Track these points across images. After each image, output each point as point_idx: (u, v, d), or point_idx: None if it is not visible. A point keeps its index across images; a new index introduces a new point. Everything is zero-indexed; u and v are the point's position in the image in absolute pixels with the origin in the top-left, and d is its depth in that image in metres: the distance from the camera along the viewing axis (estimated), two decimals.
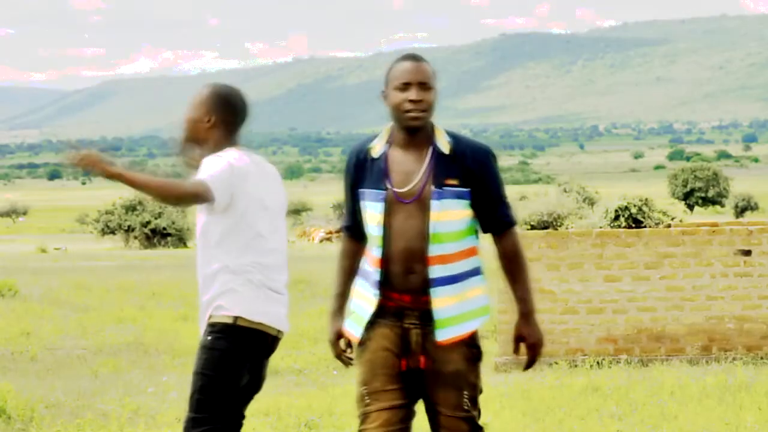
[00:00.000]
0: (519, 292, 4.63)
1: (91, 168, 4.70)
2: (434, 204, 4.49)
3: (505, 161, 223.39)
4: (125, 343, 12.70)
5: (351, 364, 4.74)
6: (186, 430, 4.77)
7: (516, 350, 4.68)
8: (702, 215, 65.17)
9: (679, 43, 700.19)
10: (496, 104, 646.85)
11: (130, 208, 48.09)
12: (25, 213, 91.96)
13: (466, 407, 4.55)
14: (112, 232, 48.37)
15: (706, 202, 74.82)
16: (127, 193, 49.68)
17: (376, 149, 4.60)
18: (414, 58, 4.57)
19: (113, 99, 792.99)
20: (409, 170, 4.54)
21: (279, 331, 4.83)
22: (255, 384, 4.87)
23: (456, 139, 4.58)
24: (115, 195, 50.88)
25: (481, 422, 4.56)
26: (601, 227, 12.04)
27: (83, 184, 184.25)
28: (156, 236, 47.40)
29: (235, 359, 4.71)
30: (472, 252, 4.61)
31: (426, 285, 4.51)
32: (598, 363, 10.89)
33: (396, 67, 4.57)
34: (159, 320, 14.54)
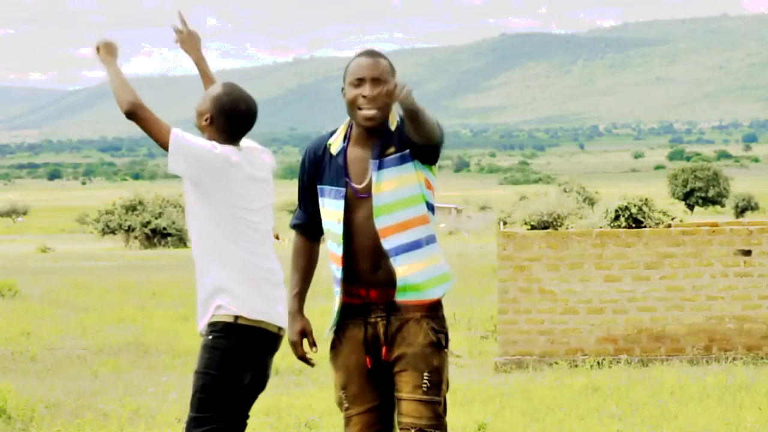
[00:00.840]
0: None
1: (104, 56, 4.96)
2: (374, 175, 4.45)
3: (505, 161, 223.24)
4: (125, 343, 12.70)
5: (313, 365, 4.73)
6: (188, 430, 4.76)
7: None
8: (702, 215, 65.16)
9: (679, 43, 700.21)
10: (496, 104, 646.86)
11: (130, 208, 48.11)
12: (25, 213, 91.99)
13: (425, 388, 4.45)
14: (112, 232, 48.37)
15: (706, 202, 74.87)
16: (127, 194, 49.72)
17: (335, 146, 4.55)
18: (370, 53, 4.50)
19: (113, 99, 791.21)
20: (368, 165, 4.50)
21: (280, 328, 4.83)
22: (259, 383, 4.86)
23: (401, 119, 4.52)
24: (115, 195, 50.91)
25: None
26: (601, 227, 12.05)
27: (83, 184, 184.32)
28: (156, 236, 47.41)
29: (237, 357, 4.71)
30: (423, 220, 4.53)
31: (393, 280, 4.46)
32: (598, 363, 10.89)
33: (352, 63, 4.50)
34: (159, 320, 14.55)
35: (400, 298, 4.45)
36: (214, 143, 4.76)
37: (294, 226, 4.73)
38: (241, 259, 4.73)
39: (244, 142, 4.91)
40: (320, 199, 4.59)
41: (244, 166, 4.78)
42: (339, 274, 4.52)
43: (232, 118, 4.82)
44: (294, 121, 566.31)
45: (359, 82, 4.44)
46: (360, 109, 4.44)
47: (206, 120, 4.84)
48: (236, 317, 4.71)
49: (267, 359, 4.86)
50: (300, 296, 4.69)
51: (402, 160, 4.47)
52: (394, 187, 4.46)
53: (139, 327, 13.90)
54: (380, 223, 4.45)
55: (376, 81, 4.43)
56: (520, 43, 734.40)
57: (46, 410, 8.41)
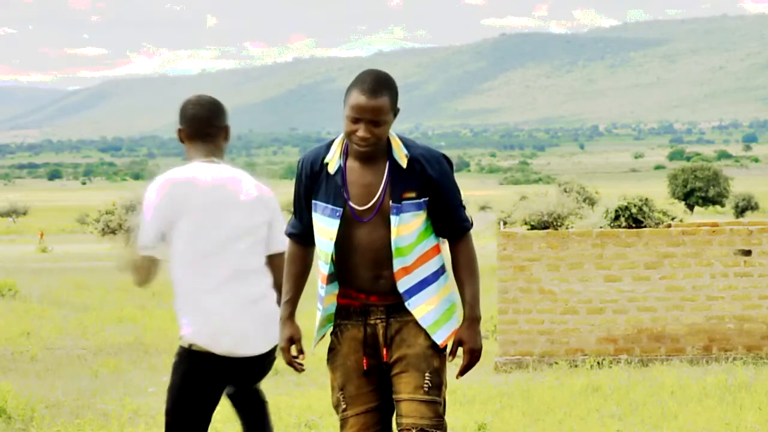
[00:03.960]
0: (468, 298, 4.58)
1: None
2: (394, 219, 4.44)
3: (505, 161, 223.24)
4: (125, 343, 12.71)
5: (302, 370, 4.74)
6: None
7: (452, 353, 4.58)
8: (702, 215, 65.18)
9: (679, 43, 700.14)
10: (496, 104, 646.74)
11: (131, 208, 48.09)
12: (25, 213, 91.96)
13: (426, 388, 4.47)
14: (113, 232, 48.37)
15: (706, 202, 74.80)
16: (127, 194, 49.74)
17: (333, 164, 4.51)
18: (372, 91, 4.37)
19: (113, 99, 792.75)
20: (368, 184, 4.47)
21: (242, 356, 4.90)
22: (245, 391, 4.96)
23: (410, 148, 4.50)
24: (115, 195, 50.93)
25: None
26: (601, 227, 12.05)
27: (83, 184, 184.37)
28: None
29: (195, 383, 4.80)
30: (434, 251, 4.57)
31: (394, 288, 4.50)
32: (598, 363, 10.89)
33: (351, 95, 4.40)
34: (159, 320, 14.55)
35: (440, 340, 4.53)
36: (159, 186, 4.83)
37: (289, 235, 4.73)
38: (202, 290, 4.84)
39: (241, 175, 4.95)
40: (314, 214, 4.58)
41: (204, 189, 4.84)
42: (323, 291, 4.54)
43: (186, 121, 4.99)
44: (294, 121, 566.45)
45: (356, 120, 4.40)
46: (355, 143, 4.43)
47: (179, 133, 5.03)
48: (190, 345, 4.83)
49: (246, 377, 4.94)
50: (292, 303, 4.69)
51: (419, 207, 4.50)
52: (412, 230, 4.48)
53: (139, 327, 13.91)
54: (397, 265, 4.48)
55: (372, 123, 4.39)
56: (520, 43, 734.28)
57: (46, 410, 8.41)
